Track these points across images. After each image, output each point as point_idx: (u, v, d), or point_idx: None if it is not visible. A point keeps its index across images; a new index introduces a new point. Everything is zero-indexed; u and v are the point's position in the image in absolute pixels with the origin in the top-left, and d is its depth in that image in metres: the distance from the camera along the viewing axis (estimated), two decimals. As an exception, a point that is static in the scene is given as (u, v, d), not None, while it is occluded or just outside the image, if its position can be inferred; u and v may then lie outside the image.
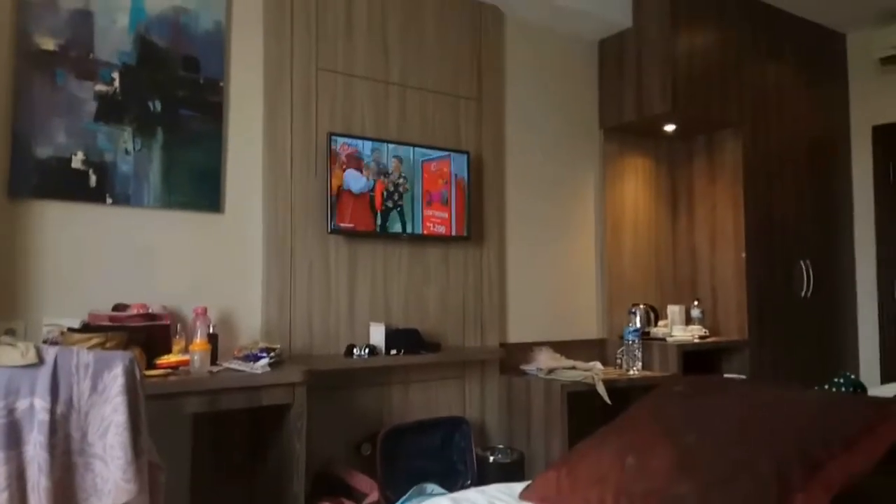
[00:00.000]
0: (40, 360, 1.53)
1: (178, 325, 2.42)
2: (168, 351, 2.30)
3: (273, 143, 2.71)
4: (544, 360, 3.10)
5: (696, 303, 3.69)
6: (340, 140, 2.78)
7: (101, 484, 1.55)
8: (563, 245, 3.58)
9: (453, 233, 3.05)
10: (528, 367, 3.15)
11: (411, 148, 2.96)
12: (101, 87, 2.36)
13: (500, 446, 3.07)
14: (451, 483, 2.78)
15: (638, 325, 3.44)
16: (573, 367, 3.09)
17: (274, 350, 2.42)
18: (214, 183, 2.59)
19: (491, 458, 2.95)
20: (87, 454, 1.56)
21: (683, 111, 3.45)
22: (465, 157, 3.10)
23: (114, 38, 2.39)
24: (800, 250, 3.91)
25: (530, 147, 3.49)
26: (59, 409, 1.53)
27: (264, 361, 2.31)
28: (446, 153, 3.05)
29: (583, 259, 3.65)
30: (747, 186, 3.66)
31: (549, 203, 3.55)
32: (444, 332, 3.08)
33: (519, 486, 1.67)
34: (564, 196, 3.61)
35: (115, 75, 2.39)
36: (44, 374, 1.53)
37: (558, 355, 3.19)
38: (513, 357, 3.20)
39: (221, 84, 2.60)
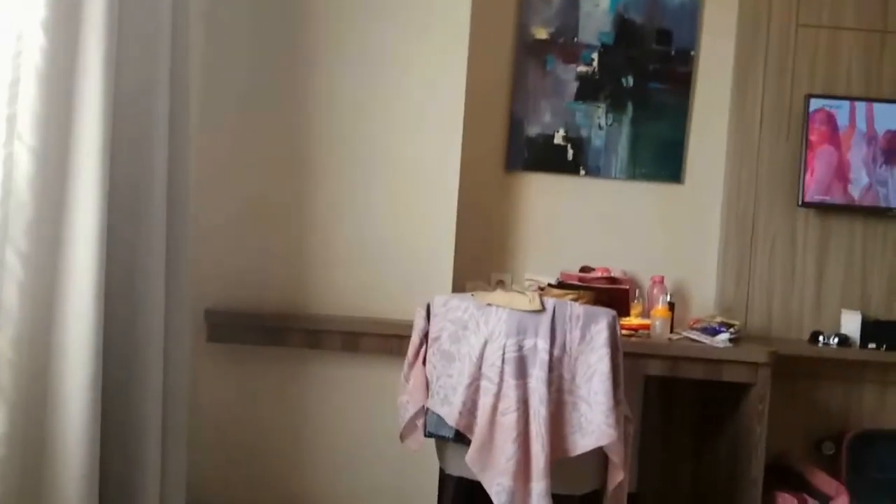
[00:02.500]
0: (543, 308, 1.79)
1: (637, 291, 2.54)
2: (626, 314, 2.41)
3: (741, 110, 2.58)
4: None
5: None
6: (820, 102, 2.48)
7: (586, 424, 1.74)
8: None
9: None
10: None
11: (912, 106, 2.47)
12: (582, 69, 2.60)
13: None
14: (946, 513, 2.29)
15: None
16: None
17: (733, 326, 2.34)
18: (677, 154, 2.61)
19: None
20: (575, 394, 1.76)
21: None
22: None
23: (596, 21, 2.59)
24: None
25: None
26: (556, 351, 1.76)
27: (725, 336, 2.26)
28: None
29: None
30: None
31: None
32: (943, 330, 2.52)
33: None
34: None
35: (595, 56, 2.59)
36: (545, 320, 1.78)
37: None
38: None
39: (692, 53, 2.59)
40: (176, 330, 1.83)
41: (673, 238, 2.64)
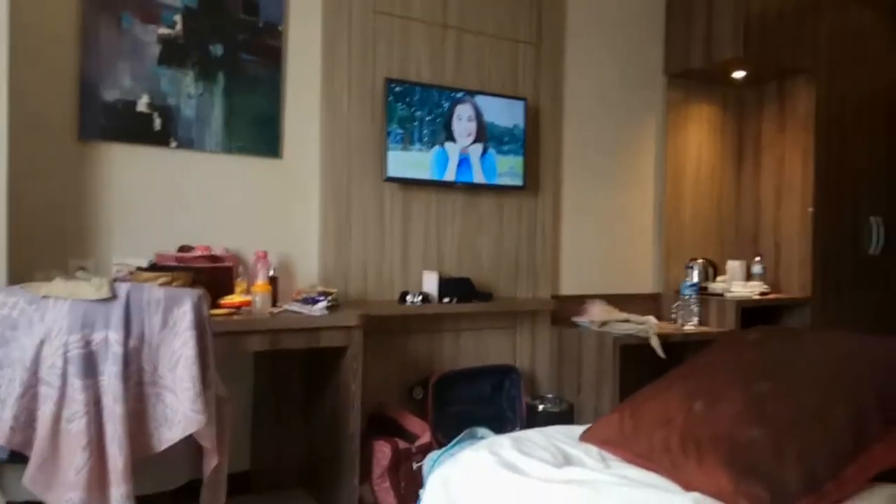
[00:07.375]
0: (113, 295, 1.59)
1: (241, 268, 2.48)
2: (231, 292, 2.35)
3: (330, 89, 2.70)
4: (597, 312, 3.07)
5: (757, 258, 3.57)
6: (397, 86, 2.74)
7: (171, 414, 1.62)
8: (621, 196, 3.50)
9: (508, 182, 3.01)
10: (580, 320, 3.12)
11: (466, 94, 2.90)
12: (164, 31, 2.39)
13: (550, 396, 3.08)
14: (501, 429, 2.81)
15: (695, 279, 3.36)
16: (626, 320, 3.05)
17: (331, 294, 2.46)
18: (273, 128, 2.61)
19: (540, 407, 2.97)
20: (159, 386, 1.63)
21: (755, 56, 3.28)
22: (522, 103, 3.03)
23: (175, -19, 2.39)
24: (871, 206, 3.72)
25: (590, 94, 3.39)
26: (132, 342, 1.59)
27: (322, 305, 2.35)
28: (502, 100, 2.98)
29: (640, 211, 3.56)
30: (818, 137, 3.47)
31: (608, 152, 3.45)
32: (496, 282, 3.08)
33: (579, 429, 1.68)
34: (624, 145, 3.51)
35: (178, 18, 2.40)
36: (117, 309, 1.59)
37: (611, 308, 3.15)
38: (565, 309, 3.18)
39: (280, 28, 2.59)
40: None
41: (276, 213, 2.65)
